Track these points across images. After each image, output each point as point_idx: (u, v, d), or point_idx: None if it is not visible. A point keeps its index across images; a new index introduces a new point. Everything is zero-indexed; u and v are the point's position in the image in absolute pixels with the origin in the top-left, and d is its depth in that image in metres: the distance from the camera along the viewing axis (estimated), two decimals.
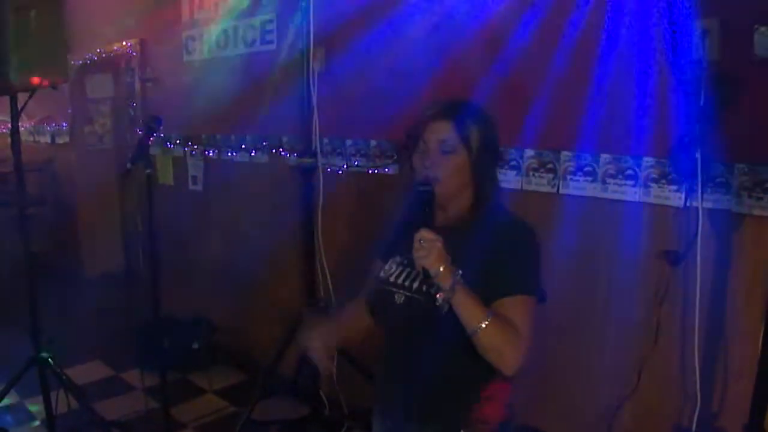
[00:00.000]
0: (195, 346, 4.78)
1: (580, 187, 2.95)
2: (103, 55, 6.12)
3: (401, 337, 1.90)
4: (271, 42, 4.31)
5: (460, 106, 1.86)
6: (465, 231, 1.83)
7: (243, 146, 4.67)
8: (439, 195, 1.82)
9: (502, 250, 1.77)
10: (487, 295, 1.74)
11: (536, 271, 1.82)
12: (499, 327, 1.69)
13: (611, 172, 2.85)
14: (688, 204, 2.62)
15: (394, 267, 1.94)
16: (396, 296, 1.87)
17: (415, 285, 1.83)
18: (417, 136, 1.86)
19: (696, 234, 2.58)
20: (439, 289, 1.66)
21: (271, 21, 4.29)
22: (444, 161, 1.80)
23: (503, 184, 3.06)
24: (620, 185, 2.82)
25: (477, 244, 1.78)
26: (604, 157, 2.86)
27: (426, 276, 1.67)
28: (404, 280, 1.88)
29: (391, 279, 1.92)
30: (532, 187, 3.09)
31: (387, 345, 1.99)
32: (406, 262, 1.90)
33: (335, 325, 2.14)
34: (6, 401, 3.47)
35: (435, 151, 1.81)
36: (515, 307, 1.75)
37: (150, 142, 2.97)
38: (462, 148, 1.79)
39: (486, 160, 1.84)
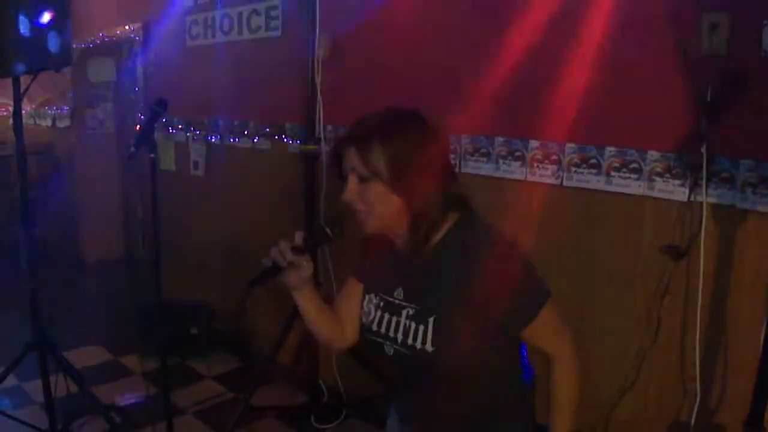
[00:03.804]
0: (194, 331, 4.78)
1: (584, 179, 2.93)
2: (106, 39, 6.09)
3: (404, 381, 1.82)
4: (275, 29, 4.29)
5: (365, 126, 1.64)
6: (432, 261, 1.68)
7: (246, 132, 4.66)
8: (372, 226, 1.67)
9: (494, 281, 1.59)
10: (506, 326, 1.69)
11: (536, 277, 1.70)
12: (574, 399, 1.76)
13: (616, 165, 2.83)
14: (692, 199, 2.62)
15: (372, 310, 1.80)
16: (385, 347, 1.75)
17: (399, 337, 1.70)
18: (339, 167, 1.69)
19: (699, 229, 2.57)
20: None
21: (276, 7, 4.27)
22: (362, 190, 1.63)
23: (508, 175, 3.08)
24: (624, 178, 2.81)
25: (453, 278, 1.65)
26: (609, 150, 2.84)
27: None
28: (386, 330, 1.74)
29: (374, 327, 1.79)
30: (536, 179, 3.08)
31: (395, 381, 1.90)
32: (382, 305, 1.78)
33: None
34: (5, 385, 3.47)
35: (352, 182, 1.64)
36: (545, 322, 1.69)
37: (155, 126, 2.94)
38: (372, 175, 1.60)
39: (410, 178, 1.59)
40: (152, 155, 2.92)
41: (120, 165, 6.53)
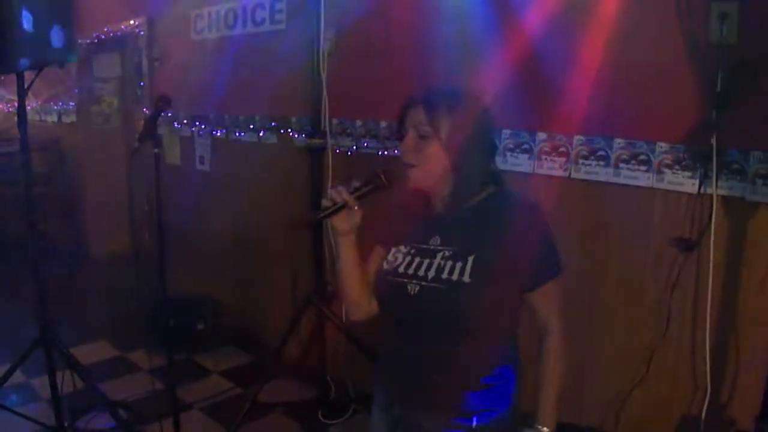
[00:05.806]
0: (201, 326, 4.78)
1: (593, 171, 2.91)
2: (111, 34, 6.07)
3: (415, 327, 1.86)
4: (280, 22, 4.27)
5: (436, 92, 1.82)
6: (471, 216, 1.83)
7: (251, 126, 4.64)
8: (419, 181, 1.82)
9: (524, 237, 1.76)
10: (522, 283, 1.81)
11: (557, 248, 1.84)
12: (562, 375, 1.88)
13: (624, 157, 2.81)
14: (701, 191, 2.59)
15: (400, 257, 1.90)
16: (408, 287, 1.83)
17: (431, 274, 1.80)
18: (401, 124, 1.84)
19: (709, 221, 2.55)
20: None
21: (280, 0, 4.25)
22: (419, 147, 1.78)
23: (515, 168, 3.06)
24: (633, 170, 2.79)
25: (491, 229, 1.79)
26: (618, 141, 2.82)
27: None
28: (416, 270, 1.84)
29: (400, 270, 1.87)
30: (544, 171, 3.06)
31: (397, 335, 1.94)
32: (413, 251, 1.88)
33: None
34: (12, 381, 3.46)
35: (411, 138, 1.80)
36: (552, 292, 1.84)
37: (159, 121, 2.93)
38: (434, 133, 1.76)
39: (464, 146, 1.77)
40: (156, 150, 2.91)
41: (126, 160, 6.51)
